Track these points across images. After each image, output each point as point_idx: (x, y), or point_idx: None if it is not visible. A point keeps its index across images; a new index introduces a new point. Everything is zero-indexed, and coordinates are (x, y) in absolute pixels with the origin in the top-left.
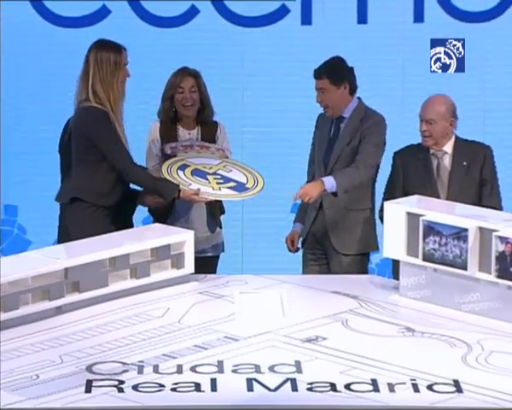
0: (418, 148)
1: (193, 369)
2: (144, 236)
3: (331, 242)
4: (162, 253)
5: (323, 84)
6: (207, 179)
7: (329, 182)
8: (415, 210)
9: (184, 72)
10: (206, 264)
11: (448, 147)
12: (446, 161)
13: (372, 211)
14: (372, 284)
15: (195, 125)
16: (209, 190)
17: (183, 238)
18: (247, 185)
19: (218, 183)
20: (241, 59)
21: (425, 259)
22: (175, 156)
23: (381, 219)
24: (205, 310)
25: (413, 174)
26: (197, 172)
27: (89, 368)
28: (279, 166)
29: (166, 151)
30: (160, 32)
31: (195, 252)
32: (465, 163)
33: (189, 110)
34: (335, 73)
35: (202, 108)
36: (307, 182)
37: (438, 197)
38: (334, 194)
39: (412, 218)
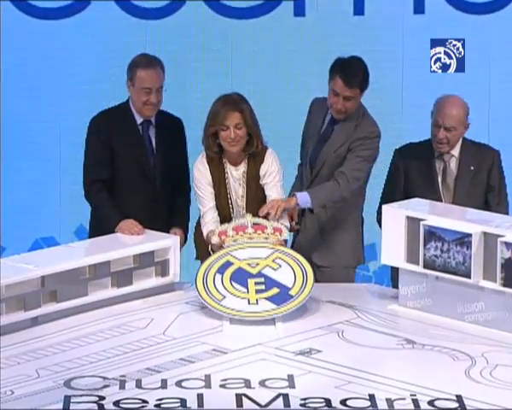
0: (421, 146)
1: (178, 384)
2: (126, 241)
3: (310, 256)
4: (146, 260)
5: (354, 93)
6: (247, 287)
7: (303, 198)
8: (415, 214)
9: (229, 105)
10: None
11: (455, 150)
12: (453, 165)
13: (359, 220)
14: (369, 293)
15: (243, 156)
16: (243, 307)
17: (168, 244)
18: (292, 292)
19: (258, 290)
20: (230, 51)
21: (426, 266)
22: (221, 247)
23: (379, 222)
24: (191, 321)
25: (415, 176)
26: (238, 275)
27: (67, 383)
28: None
29: (213, 241)
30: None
31: None
32: (472, 168)
33: (234, 147)
34: (365, 81)
35: (249, 139)
36: (299, 168)
37: (440, 201)
38: (311, 210)
39: (412, 222)
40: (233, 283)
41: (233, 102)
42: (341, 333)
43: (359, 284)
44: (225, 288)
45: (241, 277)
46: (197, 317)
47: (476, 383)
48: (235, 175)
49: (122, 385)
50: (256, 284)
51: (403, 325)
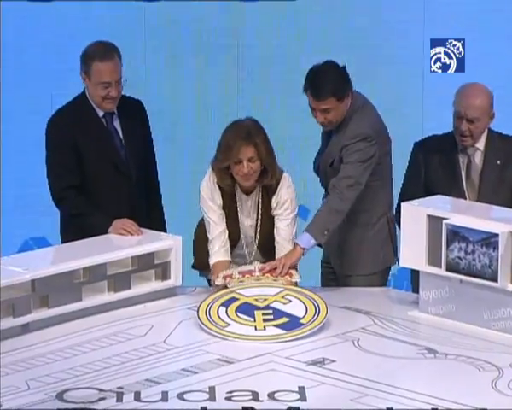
0: (443, 139)
1: (180, 396)
2: (123, 242)
3: (330, 262)
4: (145, 262)
5: (329, 104)
6: (253, 317)
7: (304, 239)
8: (437, 212)
9: (242, 138)
10: None
11: (480, 142)
12: (478, 159)
13: (384, 220)
14: (387, 298)
15: (255, 183)
16: (250, 332)
17: (169, 245)
18: (303, 320)
19: (265, 320)
20: (235, 33)
21: (449, 269)
22: (226, 287)
23: (398, 222)
24: (194, 328)
25: (436, 171)
26: (244, 308)
27: (59, 396)
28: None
29: (217, 282)
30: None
31: None
32: (499, 162)
33: (247, 182)
34: (340, 88)
35: (264, 170)
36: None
37: (464, 199)
38: (319, 245)
39: (434, 221)
40: (238, 314)
41: (247, 134)
42: (357, 342)
43: (376, 288)
44: (230, 317)
45: (247, 309)
46: (201, 324)
47: (503, 395)
48: (249, 203)
49: (119, 398)
50: (264, 314)
51: (424, 333)
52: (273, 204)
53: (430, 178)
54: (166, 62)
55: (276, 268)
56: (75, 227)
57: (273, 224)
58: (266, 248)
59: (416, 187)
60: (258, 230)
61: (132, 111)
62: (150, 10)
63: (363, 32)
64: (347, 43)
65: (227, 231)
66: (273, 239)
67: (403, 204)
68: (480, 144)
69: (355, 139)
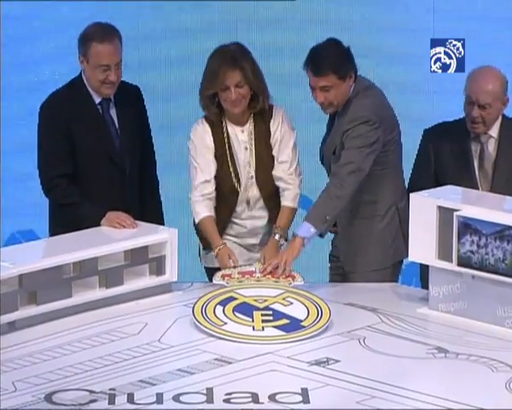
0: (454, 126)
1: (176, 398)
2: (116, 235)
3: (339, 257)
4: (138, 256)
5: (329, 81)
6: (252, 317)
7: (303, 229)
8: (448, 204)
9: (227, 64)
10: None
11: (494, 130)
12: (491, 147)
13: (393, 211)
14: (395, 295)
15: (248, 116)
16: (248, 332)
17: (164, 238)
18: (304, 322)
19: (264, 320)
20: (235, 23)
21: (460, 264)
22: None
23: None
24: (190, 326)
25: (447, 160)
26: (242, 308)
27: (48, 397)
28: None
29: (215, 280)
30: None
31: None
32: None
33: (236, 108)
34: (341, 64)
35: (254, 95)
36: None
37: (477, 189)
38: (320, 235)
39: (444, 213)
40: (236, 313)
41: (232, 59)
42: (363, 340)
43: (384, 283)
44: (227, 316)
45: (245, 309)
46: (196, 322)
47: None
48: (241, 138)
49: (111, 400)
50: (263, 315)
51: (434, 332)
52: (272, 128)
53: (440, 167)
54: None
55: (277, 268)
56: (64, 219)
57: (271, 156)
58: (266, 187)
59: (426, 177)
60: (258, 166)
61: (129, 98)
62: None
63: (363, 32)
64: (347, 43)
65: (213, 186)
66: (272, 177)
67: (411, 195)
68: (494, 132)
69: (355, 122)
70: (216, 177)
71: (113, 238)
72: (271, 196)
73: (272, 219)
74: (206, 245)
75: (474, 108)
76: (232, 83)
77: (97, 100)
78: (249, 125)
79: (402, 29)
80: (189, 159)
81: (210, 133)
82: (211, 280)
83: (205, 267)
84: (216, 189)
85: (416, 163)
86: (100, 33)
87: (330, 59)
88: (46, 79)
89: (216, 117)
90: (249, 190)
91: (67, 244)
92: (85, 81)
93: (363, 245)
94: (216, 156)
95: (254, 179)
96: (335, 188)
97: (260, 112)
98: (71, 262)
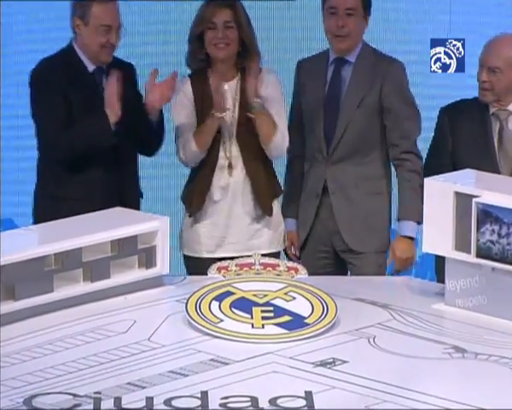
0: (473, 104)
1: (167, 403)
2: (102, 223)
3: (343, 238)
4: (126, 247)
5: (355, 4)
6: (250, 313)
7: (408, 227)
8: (466, 189)
9: (217, 2)
10: None
11: None
12: (511, 125)
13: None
14: (408, 289)
15: (235, 72)
16: (246, 330)
17: (155, 227)
18: (308, 320)
19: (264, 317)
20: None
21: (479, 255)
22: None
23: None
24: (183, 324)
25: (466, 140)
26: (240, 303)
27: (27, 402)
28: None
29: (211, 272)
30: None
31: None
32: None
33: (221, 51)
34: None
35: (243, 49)
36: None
37: (498, 172)
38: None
39: (463, 200)
40: (233, 309)
41: None
42: (373, 339)
43: (395, 277)
44: (223, 313)
45: (244, 305)
46: (189, 319)
47: None
48: (225, 88)
49: (97, 404)
50: (263, 311)
51: (450, 329)
52: (261, 88)
53: (458, 148)
54: None
55: (278, 265)
56: (51, 202)
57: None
58: (247, 146)
59: (442, 159)
60: (236, 122)
61: (123, 74)
62: None
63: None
64: None
65: None
66: (255, 135)
67: (426, 180)
68: None
69: (400, 72)
70: None
71: (98, 227)
72: (252, 155)
73: (252, 181)
74: (196, 209)
75: (483, 72)
76: (220, 20)
77: (91, 68)
78: (234, 82)
79: (402, 29)
80: (172, 116)
81: (191, 90)
82: (190, 273)
83: (184, 256)
84: None
85: (431, 145)
86: None
87: None
88: None
89: (201, 63)
90: (228, 148)
91: (49, 234)
92: (78, 49)
93: (367, 224)
94: (197, 111)
95: (235, 138)
96: (418, 169)
97: (250, 68)
98: (52, 253)
